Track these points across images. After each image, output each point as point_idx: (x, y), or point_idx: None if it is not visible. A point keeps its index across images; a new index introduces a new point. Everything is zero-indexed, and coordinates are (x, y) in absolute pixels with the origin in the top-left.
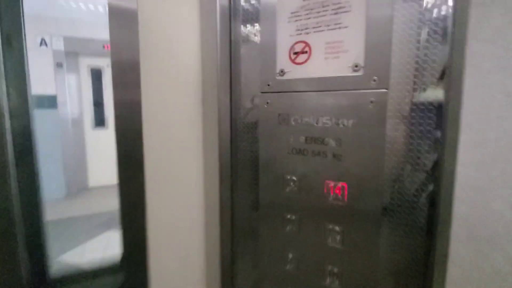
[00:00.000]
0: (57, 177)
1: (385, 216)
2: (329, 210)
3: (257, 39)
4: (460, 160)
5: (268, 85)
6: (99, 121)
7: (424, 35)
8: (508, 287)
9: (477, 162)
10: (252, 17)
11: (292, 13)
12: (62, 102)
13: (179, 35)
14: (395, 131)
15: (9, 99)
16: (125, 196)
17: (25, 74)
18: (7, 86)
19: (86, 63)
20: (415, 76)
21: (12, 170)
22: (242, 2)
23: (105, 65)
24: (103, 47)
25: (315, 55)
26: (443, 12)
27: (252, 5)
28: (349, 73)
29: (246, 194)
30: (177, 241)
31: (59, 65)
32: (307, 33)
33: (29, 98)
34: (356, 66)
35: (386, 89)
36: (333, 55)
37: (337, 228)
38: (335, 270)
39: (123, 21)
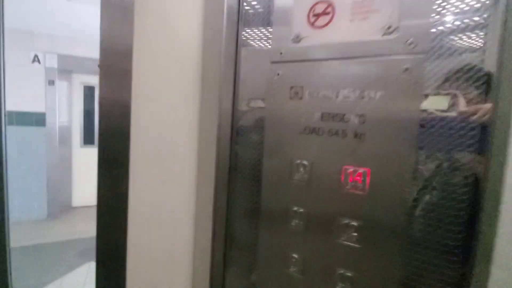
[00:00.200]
0: (39, 196)
1: (416, 209)
2: (346, 201)
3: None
4: None
5: (281, 53)
6: (89, 139)
7: None
8: None
9: None
10: None
11: None
12: (51, 120)
13: (180, 33)
14: (433, 105)
15: None
16: (102, 216)
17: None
18: None
19: (79, 80)
20: (461, 39)
21: None
22: None
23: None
24: (98, 65)
25: (339, 16)
26: None
27: None
28: (379, 36)
29: (245, 186)
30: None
31: (50, 82)
32: None
33: (2, 115)
34: (389, 27)
35: (425, 53)
36: (361, 16)
37: (354, 223)
38: (349, 273)
39: (117, 16)
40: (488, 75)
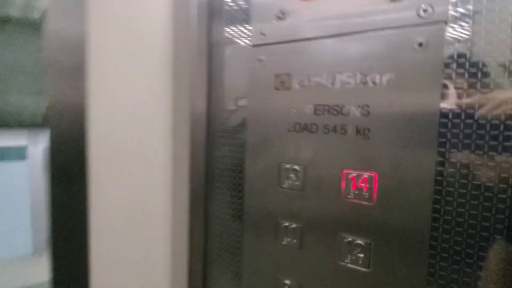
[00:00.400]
0: (24, 232)
1: (439, 222)
2: (349, 214)
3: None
4: None
5: (262, 34)
6: None
7: None
8: None
9: None
10: None
11: None
12: (33, 153)
13: (145, 21)
14: (457, 88)
15: None
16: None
17: None
18: None
19: None
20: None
21: None
22: None
23: None
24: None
25: None
26: None
27: None
28: (385, 3)
29: (226, 199)
30: None
31: None
32: None
33: None
34: None
35: (445, 22)
36: None
37: (360, 241)
38: None
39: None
40: None
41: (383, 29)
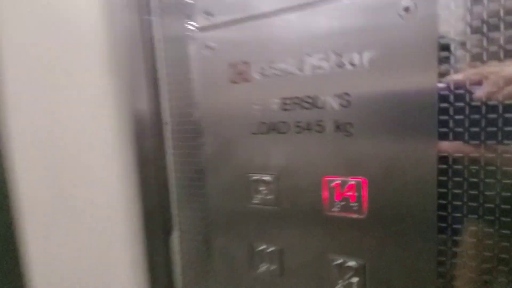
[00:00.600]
0: None
1: (446, 234)
2: (335, 230)
3: None
4: None
5: (208, 14)
6: None
7: None
8: None
9: None
10: None
11: None
12: None
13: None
14: (454, 67)
15: None
16: None
17: None
18: None
19: None
20: None
21: None
22: None
23: None
24: None
25: None
26: None
27: None
28: None
29: (188, 221)
30: None
31: None
32: None
33: None
34: None
35: None
36: None
37: (351, 262)
38: None
39: None
40: None
41: None
